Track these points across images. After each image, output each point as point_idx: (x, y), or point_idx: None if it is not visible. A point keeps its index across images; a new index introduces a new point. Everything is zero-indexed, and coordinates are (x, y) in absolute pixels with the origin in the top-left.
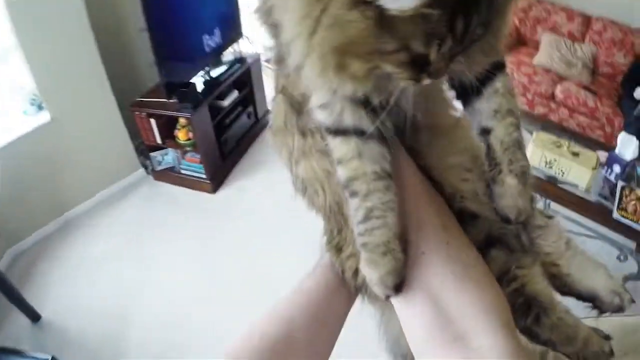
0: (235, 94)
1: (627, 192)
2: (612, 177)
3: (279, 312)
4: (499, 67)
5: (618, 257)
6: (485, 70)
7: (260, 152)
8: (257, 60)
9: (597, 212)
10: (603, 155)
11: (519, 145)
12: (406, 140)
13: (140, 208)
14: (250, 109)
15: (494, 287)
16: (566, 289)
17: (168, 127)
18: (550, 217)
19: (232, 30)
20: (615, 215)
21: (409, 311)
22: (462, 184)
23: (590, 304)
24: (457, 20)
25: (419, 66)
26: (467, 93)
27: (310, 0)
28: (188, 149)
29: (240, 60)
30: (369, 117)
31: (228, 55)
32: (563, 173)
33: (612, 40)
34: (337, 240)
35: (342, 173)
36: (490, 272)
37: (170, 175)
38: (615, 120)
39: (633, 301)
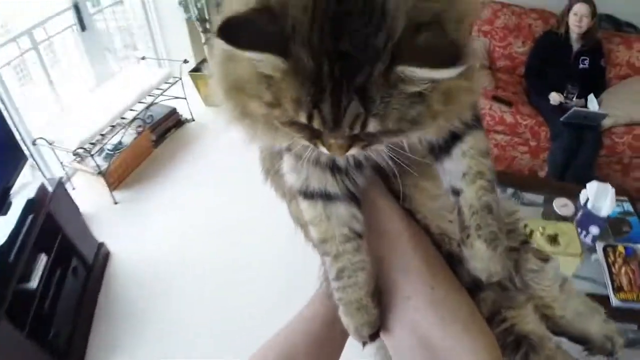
0: (43, 260)
1: (611, 254)
2: (588, 240)
3: (281, 339)
4: (468, 127)
5: None
6: (450, 133)
7: (108, 322)
8: (58, 183)
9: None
10: (563, 203)
11: (489, 209)
12: (391, 184)
13: None
14: (74, 261)
15: (482, 329)
16: (559, 330)
17: None
18: (545, 260)
19: (9, 162)
20: (616, 302)
21: (399, 353)
22: (449, 226)
23: (582, 346)
24: (322, 101)
25: (309, 132)
26: (436, 151)
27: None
28: None
29: (32, 203)
30: (336, 180)
31: (15, 198)
32: None
33: (506, 27)
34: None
35: (313, 234)
36: (478, 314)
37: None
38: (540, 131)
39: (625, 346)
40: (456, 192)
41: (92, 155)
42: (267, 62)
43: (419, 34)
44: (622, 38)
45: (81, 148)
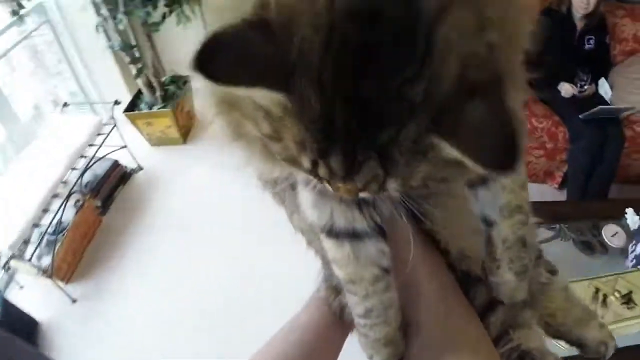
0: None
1: None
2: None
3: (274, 348)
4: None
5: None
6: None
7: None
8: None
9: None
10: (613, 231)
11: (523, 243)
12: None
13: None
14: None
15: (489, 351)
16: (558, 335)
17: None
18: (554, 273)
19: None
20: None
21: None
22: (470, 248)
23: (578, 349)
24: (331, 152)
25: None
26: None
27: None
28: None
29: None
30: (364, 215)
31: None
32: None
33: None
34: (335, 282)
35: (338, 273)
36: (486, 338)
37: None
38: (557, 132)
39: (616, 347)
40: (488, 223)
41: (29, 260)
42: (262, 95)
43: (471, 99)
44: (626, 10)
45: (10, 258)
